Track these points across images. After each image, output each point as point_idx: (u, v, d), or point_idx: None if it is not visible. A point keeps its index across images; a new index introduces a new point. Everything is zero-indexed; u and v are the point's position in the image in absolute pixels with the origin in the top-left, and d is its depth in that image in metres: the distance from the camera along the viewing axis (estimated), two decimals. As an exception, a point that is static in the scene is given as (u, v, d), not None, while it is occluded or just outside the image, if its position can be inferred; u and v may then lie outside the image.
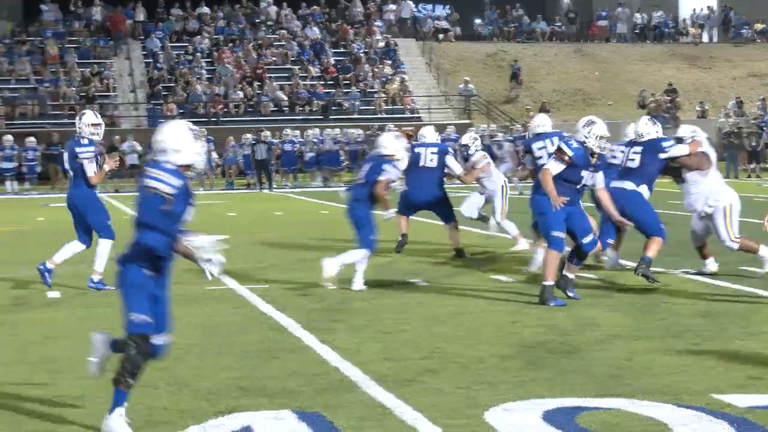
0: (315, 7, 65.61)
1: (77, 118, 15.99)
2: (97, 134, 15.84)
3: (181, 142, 8.19)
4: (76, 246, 15.85)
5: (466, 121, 54.80)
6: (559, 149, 13.80)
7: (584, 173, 13.70)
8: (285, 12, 64.82)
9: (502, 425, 8.04)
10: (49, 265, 15.68)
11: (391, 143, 16.14)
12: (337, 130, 49.40)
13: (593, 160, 13.75)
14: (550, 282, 13.62)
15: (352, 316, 13.03)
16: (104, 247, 15.67)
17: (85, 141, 15.62)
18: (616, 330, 11.86)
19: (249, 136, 47.20)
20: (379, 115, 54.97)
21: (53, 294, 15.32)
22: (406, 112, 57.18)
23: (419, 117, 56.21)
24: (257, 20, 64.32)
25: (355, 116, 55.24)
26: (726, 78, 64.55)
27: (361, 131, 49.31)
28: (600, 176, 14.05)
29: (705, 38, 70.37)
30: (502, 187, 19.76)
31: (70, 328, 12.57)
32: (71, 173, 15.67)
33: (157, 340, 8.16)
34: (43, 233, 25.17)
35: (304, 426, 8.06)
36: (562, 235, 13.73)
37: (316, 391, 9.13)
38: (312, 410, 8.50)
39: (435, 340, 11.48)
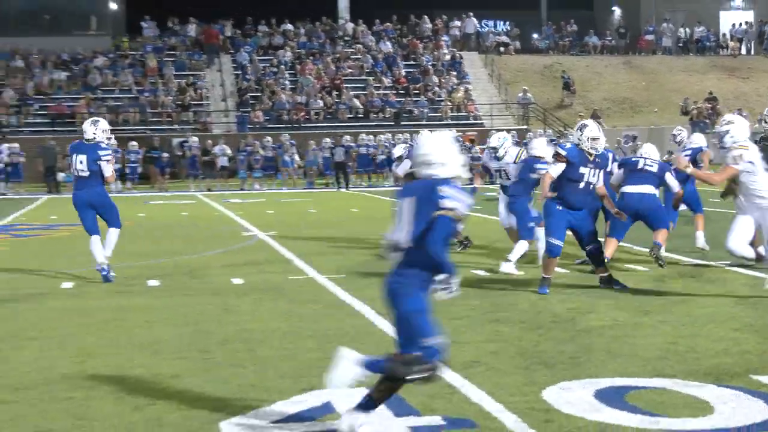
0: (388, 24, 65.67)
1: (89, 125, 16.12)
2: (110, 138, 16.24)
3: (447, 155, 7.29)
4: (97, 240, 15.96)
5: (524, 127, 54.64)
6: (556, 152, 13.90)
7: (583, 170, 13.66)
8: (361, 28, 64.93)
9: (558, 402, 8.02)
10: (105, 266, 15.81)
11: (542, 146, 16.58)
12: (407, 135, 49.38)
13: (590, 158, 13.72)
14: (546, 275, 13.75)
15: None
16: (115, 236, 16.13)
17: (104, 145, 15.93)
18: (663, 317, 11.79)
19: (328, 140, 47.35)
20: (446, 122, 54.96)
21: (153, 282, 15.43)
22: (470, 118, 57.09)
23: (482, 123, 56.14)
24: (336, 36, 64.47)
25: (424, 122, 55.13)
26: (763, 87, 63.87)
27: (428, 136, 49.19)
28: (600, 175, 13.95)
29: (743, 51, 69.75)
30: None
31: (169, 314, 12.65)
32: (87, 174, 15.81)
33: (432, 341, 7.18)
34: (145, 228, 25.35)
35: (378, 402, 8.08)
36: (558, 243, 13.76)
37: (390, 371, 9.13)
38: (386, 388, 8.51)
39: (496, 325, 11.47)
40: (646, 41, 69.18)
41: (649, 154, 15.99)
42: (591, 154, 13.70)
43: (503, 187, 17.60)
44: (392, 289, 7.19)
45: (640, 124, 57.07)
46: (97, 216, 16.09)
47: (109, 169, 15.89)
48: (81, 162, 15.73)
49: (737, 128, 13.04)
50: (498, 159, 17.39)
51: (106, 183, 16.02)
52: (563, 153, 13.72)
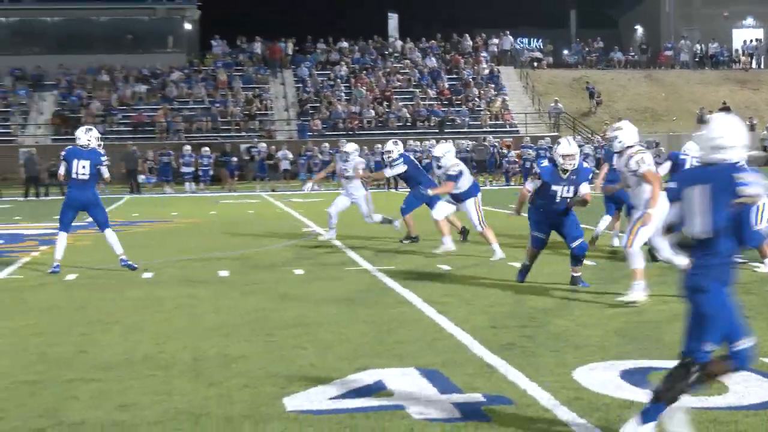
0: (433, 41, 65.77)
1: (84, 132, 16.37)
2: (101, 145, 16.48)
3: (737, 138, 6.36)
4: (65, 237, 16.22)
5: (555, 134, 54.51)
6: (534, 170, 13.37)
7: (555, 188, 12.94)
8: (408, 45, 65.00)
9: (587, 381, 7.98)
10: (59, 264, 15.99)
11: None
12: (450, 141, 49.35)
13: (565, 176, 12.93)
14: (525, 262, 13.61)
15: (464, 292, 12.97)
16: (112, 235, 16.22)
17: (101, 151, 16.28)
18: (681, 305, 11.68)
19: (379, 146, 47.33)
20: (485, 129, 54.93)
21: (223, 273, 15.47)
22: (506, 126, 57.03)
23: (517, 130, 56.07)
24: (386, 52, 64.54)
25: (465, 130, 55.19)
26: (772, 98, 63.68)
27: (470, 142, 49.22)
28: (585, 186, 13.16)
29: (754, 65, 69.28)
30: (365, 195, 20.12)
31: (238, 301, 12.68)
32: (87, 177, 15.99)
33: (742, 344, 6.27)
34: (216, 224, 25.46)
35: (425, 381, 8.06)
36: (537, 234, 13.34)
37: (435, 353, 9.12)
38: (432, 368, 8.49)
39: (531, 311, 11.42)
40: (665, 56, 68.91)
41: (692, 152, 15.77)
42: (565, 171, 12.92)
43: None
44: (694, 284, 6.33)
45: (660, 131, 56.82)
46: (78, 218, 16.52)
47: (106, 171, 16.25)
48: (84, 167, 15.94)
49: (625, 133, 12.35)
50: (439, 167, 17.18)
51: (98, 184, 16.32)
52: (537, 172, 13.11)
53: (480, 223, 16.72)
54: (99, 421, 7.14)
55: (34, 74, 59.08)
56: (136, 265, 16.01)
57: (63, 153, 16.26)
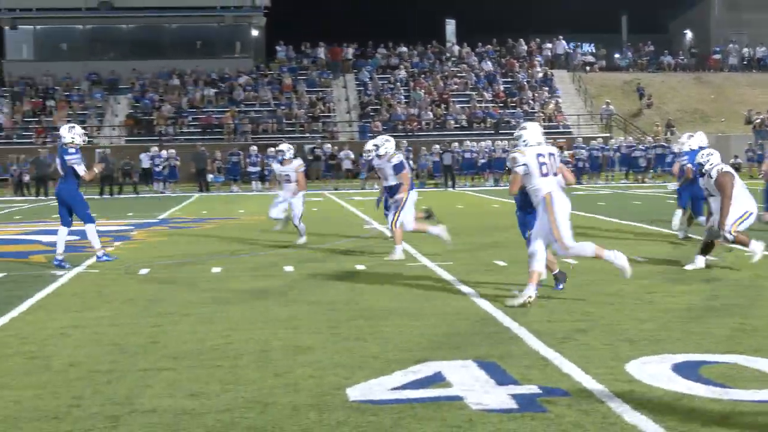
0: (489, 46, 65.68)
1: (66, 131, 16.19)
2: (85, 141, 16.49)
3: None
4: (63, 232, 16.21)
5: (608, 135, 54.25)
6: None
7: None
8: (465, 50, 64.96)
9: (639, 374, 7.89)
10: (59, 257, 15.95)
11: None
12: (506, 142, 49.25)
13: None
14: (551, 271, 12.56)
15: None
16: (92, 230, 16.13)
17: (73, 150, 16.02)
18: (732, 301, 11.55)
19: (437, 146, 47.35)
20: (539, 130, 54.74)
21: (288, 268, 15.48)
22: (560, 127, 56.75)
23: (570, 131, 55.80)
24: (444, 57, 64.52)
25: (520, 131, 55.01)
26: (818, 99, 62.85)
27: (524, 142, 49.10)
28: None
29: (800, 68, 68.64)
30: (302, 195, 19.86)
31: (302, 295, 12.69)
32: (62, 173, 16.03)
33: None
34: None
35: (483, 372, 8.01)
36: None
37: (492, 345, 9.06)
38: (489, 360, 8.44)
39: (585, 305, 11.33)
40: (714, 60, 68.33)
41: None
42: None
43: (386, 187, 17.01)
44: None
45: (709, 131, 56.26)
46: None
47: (81, 169, 15.98)
48: (59, 164, 16.03)
49: (529, 133, 12.09)
50: (379, 157, 16.79)
51: (82, 181, 16.22)
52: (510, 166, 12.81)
53: (393, 222, 16.55)
54: (170, 409, 7.17)
55: (110, 78, 59.70)
56: (115, 257, 16.32)
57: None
